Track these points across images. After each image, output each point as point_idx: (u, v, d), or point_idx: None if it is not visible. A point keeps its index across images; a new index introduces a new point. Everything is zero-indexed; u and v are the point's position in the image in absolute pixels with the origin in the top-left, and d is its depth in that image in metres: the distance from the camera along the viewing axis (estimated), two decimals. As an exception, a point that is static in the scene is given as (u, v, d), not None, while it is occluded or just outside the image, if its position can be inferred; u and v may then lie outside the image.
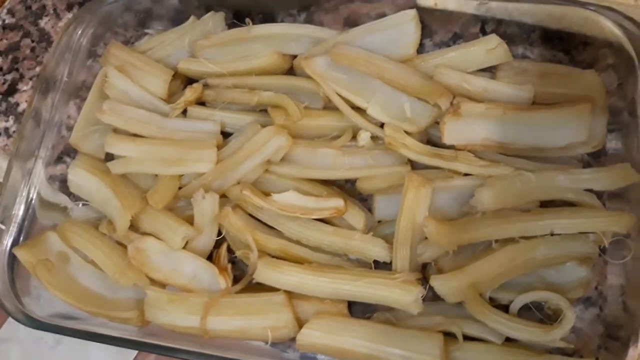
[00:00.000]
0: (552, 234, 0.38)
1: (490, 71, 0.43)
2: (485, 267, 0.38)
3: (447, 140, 0.40)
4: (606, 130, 0.41)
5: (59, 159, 0.49)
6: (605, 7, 0.41)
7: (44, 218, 0.46)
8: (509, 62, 0.43)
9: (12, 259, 0.43)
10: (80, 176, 0.44)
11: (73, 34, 0.49)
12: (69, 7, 0.56)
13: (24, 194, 0.45)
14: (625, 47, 0.40)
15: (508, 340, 0.38)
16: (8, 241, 0.43)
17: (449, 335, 0.38)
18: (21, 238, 0.44)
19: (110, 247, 0.42)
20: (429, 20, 0.46)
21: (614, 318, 0.39)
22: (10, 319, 1.21)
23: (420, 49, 0.45)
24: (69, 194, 0.47)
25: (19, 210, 0.44)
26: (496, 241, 0.39)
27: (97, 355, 1.15)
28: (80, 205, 0.46)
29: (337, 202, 0.41)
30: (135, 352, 1.05)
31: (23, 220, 0.44)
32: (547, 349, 0.38)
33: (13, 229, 0.43)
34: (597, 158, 0.42)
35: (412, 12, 0.43)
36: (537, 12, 0.43)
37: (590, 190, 0.39)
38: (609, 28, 0.41)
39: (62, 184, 0.48)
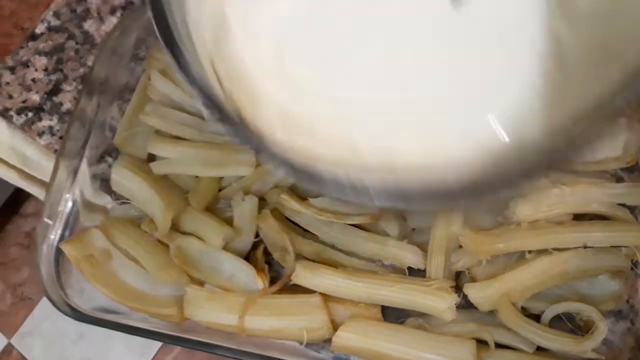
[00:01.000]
0: (584, 247, 0.39)
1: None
2: (518, 277, 0.39)
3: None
4: (640, 146, 0.42)
5: (101, 159, 0.50)
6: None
7: (86, 216, 0.47)
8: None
9: (58, 254, 0.44)
10: (123, 175, 0.46)
11: (117, 38, 0.50)
12: (112, 11, 0.58)
13: (69, 192, 0.46)
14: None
15: (539, 349, 0.39)
16: (55, 236, 0.44)
17: (481, 343, 0.39)
18: (66, 234, 0.45)
19: (152, 245, 0.44)
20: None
21: (644, 332, 0.39)
22: (33, 314, 1.23)
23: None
24: (111, 192, 0.48)
25: (65, 207, 0.46)
26: (529, 252, 0.40)
27: (119, 350, 1.17)
28: (121, 203, 0.48)
29: (372, 209, 0.42)
30: (157, 347, 1.06)
31: (68, 216, 0.46)
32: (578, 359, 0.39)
33: (59, 225, 0.45)
34: (630, 173, 0.42)
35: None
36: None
37: (624, 205, 0.40)
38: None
39: (104, 183, 0.49)
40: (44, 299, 1.23)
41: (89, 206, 0.48)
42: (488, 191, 0.24)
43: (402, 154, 0.28)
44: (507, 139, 0.28)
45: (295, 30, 0.31)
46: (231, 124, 0.27)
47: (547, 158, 0.25)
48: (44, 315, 1.22)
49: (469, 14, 0.30)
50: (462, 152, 0.28)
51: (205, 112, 0.28)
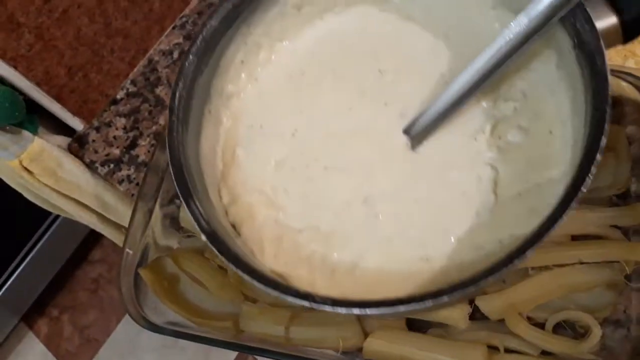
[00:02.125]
0: (580, 263, 0.45)
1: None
2: (523, 290, 0.45)
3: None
4: (630, 175, 0.48)
5: (171, 201, 0.60)
6: (625, 73, 0.48)
7: (158, 250, 0.57)
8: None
9: (136, 278, 0.53)
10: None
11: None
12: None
13: (146, 228, 0.56)
14: (643, 105, 0.48)
15: (544, 353, 0.44)
16: (135, 263, 0.53)
17: (492, 348, 0.45)
18: (144, 261, 0.54)
19: (213, 270, 0.52)
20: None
21: (638, 339, 0.44)
22: (98, 355, 1.29)
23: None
24: (179, 229, 0.58)
25: (142, 242, 0.55)
26: (532, 268, 0.46)
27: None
28: (188, 237, 0.57)
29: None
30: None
31: (145, 248, 0.55)
32: (578, 361, 0.44)
33: (138, 254, 0.54)
34: (623, 199, 0.48)
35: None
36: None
37: (617, 227, 0.46)
38: (629, 90, 0.48)
39: (174, 220, 0.59)
40: (109, 341, 1.33)
41: (160, 241, 0.57)
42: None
43: (369, 271, 0.37)
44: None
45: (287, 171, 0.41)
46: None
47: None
48: (108, 356, 1.31)
49: (426, 155, 0.39)
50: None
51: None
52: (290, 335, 0.48)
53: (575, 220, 0.46)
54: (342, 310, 0.32)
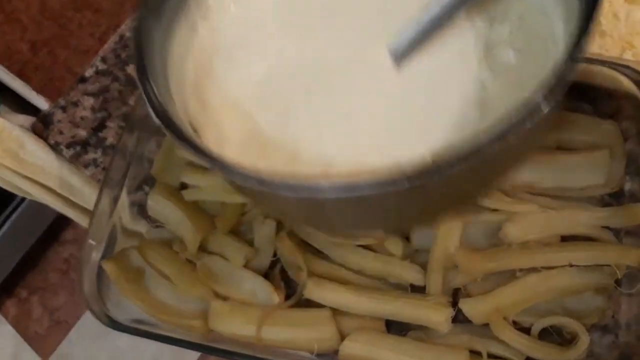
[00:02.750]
0: (570, 265, 0.42)
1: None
2: (509, 293, 0.43)
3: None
4: (624, 173, 0.45)
5: (139, 188, 0.56)
6: (622, 65, 0.46)
7: (124, 240, 0.53)
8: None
9: (99, 271, 0.50)
10: (158, 202, 0.52)
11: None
12: (153, 57, 0.65)
13: (111, 217, 0.52)
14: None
15: (529, 359, 0.42)
16: (97, 255, 0.50)
17: (474, 353, 0.43)
18: (107, 253, 0.51)
19: (181, 264, 0.49)
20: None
21: (628, 345, 0.42)
22: (69, 337, 1.26)
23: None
24: (147, 217, 0.54)
25: (106, 231, 0.52)
26: (520, 270, 0.43)
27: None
28: (156, 227, 0.53)
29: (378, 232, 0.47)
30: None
31: (109, 238, 0.51)
32: (565, 370, 0.42)
33: (100, 246, 0.51)
34: (616, 198, 0.46)
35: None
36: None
37: (608, 228, 0.44)
38: (627, 83, 0.45)
39: (141, 209, 0.55)
40: (79, 323, 1.29)
41: (126, 230, 0.54)
42: None
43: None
44: None
45: (276, 77, 0.37)
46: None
47: None
48: (79, 338, 1.28)
49: (412, 73, 0.35)
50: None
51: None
52: (262, 335, 0.45)
53: (566, 219, 0.44)
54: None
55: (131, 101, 0.63)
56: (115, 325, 0.47)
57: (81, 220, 0.76)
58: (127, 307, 0.49)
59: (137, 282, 0.50)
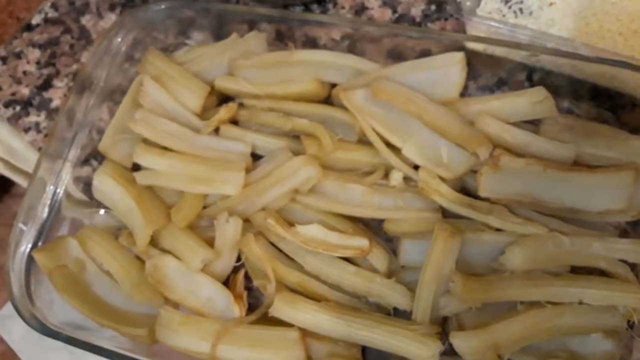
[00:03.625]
0: (580, 303, 0.37)
1: (533, 123, 0.42)
2: (508, 328, 0.37)
3: (482, 192, 0.39)
4: (647, 199, 0.40)
5: (86, 161, 0.48)
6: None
7: (62, 225, 0.45)
8: (554, 117, 0.42)
9: (29, 262, 0.42)
10: (105, 183, 0.44)
11: (114, 37, 0.48)
12: (112, 7, 0.56)
13: (49, 195, 0.44)
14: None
15: (524, 406, 0.37)
16: (28, 243, 0.42)
17: (463, 394, 0.37)
18: (40, 241, 0.43)
19: (128, 261, 0.42)
20: (475, 62, 0.45)
21: (636, 397, 0.38)
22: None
23: (463, 91, 0.44)
24: (92, 198, 0.46)
25: (42, 212, 0.44)
26: (522, 303, 0.38)
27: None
28: (102, 212, 0.46)
29: (362, 242, 0.40)
30: None
31: (45, 222, 0.44)
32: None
33: (33, 231, 0.43)
34: (635, 227, 0.40)
35: (460, 55, 0.42)
36: (588, 69, 0.42)
37: (625, 261, 0.38)
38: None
39: (87, 187, 0.48)
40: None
41: (72, 199, 0.46)
42: None
43: None
44: None
45: None
46: None
47: None
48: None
49: None
50: None
51: None
52: (217, 354, 0.38)
53: (578, 248, 0.38)
54: None
55: (83, 57, 0.54)
56: (44, 329, 0.40)
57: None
58: (63, 307, 0.42)
59: (74, 278, 0.43)
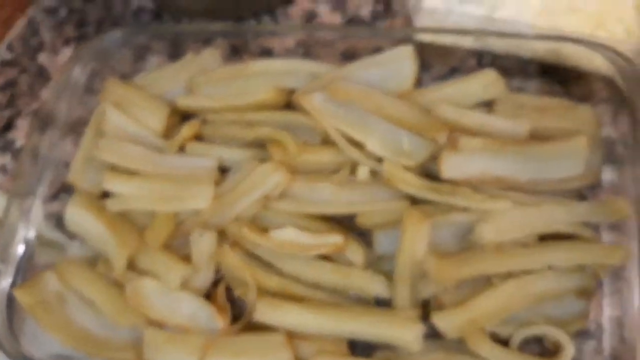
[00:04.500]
0: (550, 268, 0.38)
1: (487, 105, 0.44)
2: (485, 302, 0.38)
3: (445, 174, 0.41)
4: (602, 163, 0.41)
5: (56, 196, 0.48)
6: (597, 44, 0.41)
7: (42, 256, 0.45)
8: (506, 96, 0.43)
9: (10, 300, 0.42)
10: (77, 214, 0.44)
11: (71, 70, 0.49)
12: (66, 42, 0.57)
13: (22, 233, 0.44)
14: (616, 81, 0.41)
15: (510, 375, 0.38)
16: (6, 281, 0.42)
17: (450, 372, 0.38)
18: (19, 278, 0.43)
19: (108, 287, 0.42)
20: (426, 54, 0.46)
21: (613, 350, 0.39)
22: None
23: (418, 84, 0.46)
24: (66, 231, 0.47)
25: (17, 249, 0.44)
26: (496, 276, 0.39)
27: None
28: (77, 244, 0.46)
29: (336, 239, 0.41)
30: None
31: (21, 259, 0.44)
32: (548, 383, 0.38)
33: (11, 269, 0.43)
34: (594, 190, 0.42)
35: (409, 48, 0.44)
36: (534, 47, 0.44)
37: (589, 224, 0.40)
38: (602, 63, 0.41)
39: (60, 222, 0.48)
40: None
41: (42, 249, 0.46)
42: None
43: None
44: None
45: None
46: None
47: None
48: None
49: None
50: None
51: None
52: (206, 366, 0.39)
53: (543, 216, 0.39)
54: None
55: (43, 94, 0.54)
56: (31, 364, 0.40)
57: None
58: (47, 341, 0.42)
59: (56, 311, 0.42)
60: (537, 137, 0.42)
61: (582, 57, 0.42)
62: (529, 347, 0.39)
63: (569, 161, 0.40)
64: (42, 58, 0.56)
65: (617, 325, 0.39)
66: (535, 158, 0.40)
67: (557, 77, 0.45)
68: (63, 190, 0.49)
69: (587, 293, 0.39)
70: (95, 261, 0.44)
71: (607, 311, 0.40)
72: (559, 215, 0.39)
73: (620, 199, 0.39)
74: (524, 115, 0.42)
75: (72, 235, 0.46)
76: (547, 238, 0.40)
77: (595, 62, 0.42)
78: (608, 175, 0.42)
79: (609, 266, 0.38)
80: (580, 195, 0.42)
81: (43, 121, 0.48)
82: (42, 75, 0.56)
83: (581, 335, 0.40)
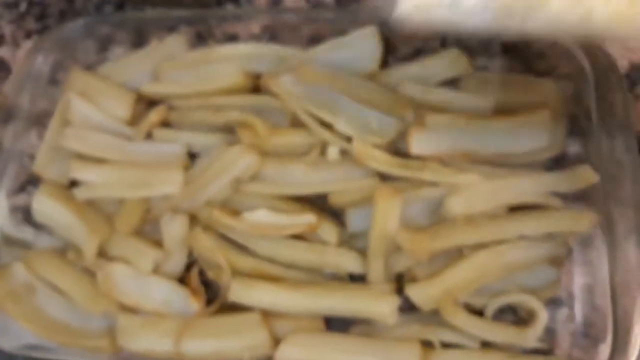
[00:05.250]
0: (520, 238, 0.39)
1: (453, 84, 0.45)
2: (458, 273, 0.38)
3: (413, 150, 0.41)
4: (565, 135, 0.42)
5: (22, 189, 0.47)
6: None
7: (7, 252, 0.44)
8: (471, 74, 0.44)
9: (-23, 293, 0.41)
10: (44, 204, 0.43)
11: (33, 61, 0.48)
12: (28, 35, 0.56)
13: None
14: (576, 55, 0.42)
15: (485, 344, 0.38)
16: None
17: (426, 344, 0.38)
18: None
19: (79, 275, 0.41)
20: (390, 36, 0.47)
21: (584, 317, 0.40)
22: None
23: (384, 65, 0.46)
24: (33, 224, 0.46)
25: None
26: (467, 247, 0.39)
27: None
28: (46, 235, 0.45)
29: (309, 219, 0.41)
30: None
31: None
32: (523, 350, 0.38)
33: (-22, 262, 0.42)
34: (559, 162, 0.43)
35: (373, 29, 0.44)
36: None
37: (556, 193, 0.41)
38: (562, 39, 0.42)
39: (26, 215, 0.47)
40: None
41: (9, 241, 0.45)
42: None
43: None
44: None
45: None
46: None
47: None
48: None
49: None
50: None
51: None
52: (182, 349, 0.38)
53: (511, 188, 0.40)
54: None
55: (5, 88, 0.53)
56: (3, 356, 0.39)
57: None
58: (18, 332, 0.41)
59: (26, 302, 0.42)
60: (502, 112, 0.43)
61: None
62: (503, 316, 0.40)
63: (533, 133, 0.41)
64: (3, 52, 0.55)
65: (588, 292, 0.40)
66: (500, 132, 0.41)
67: (520, 55, 0.46)
68: (29, 183, 0.48)
69: (558, 261, 0.40)
70: (64, 253, 0.43)
71: (578, 279, 0.41)
72: (526, 186, 0.40)
73: (584, 166, 0.40)
74: (489, 91, 0.43)
75: (40, 227, 0.45)
76: (516, 209, 0.41)
77: (557, 39, 0.43)
78: (573, 148, 0.43)
79: (578, 234, 0.39)
80: (547, 168, 0.43)
81: (5, 113, 0.47)
82: (4, 69, 0.54)
83: (553, 303, 0.40)
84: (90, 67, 0.50)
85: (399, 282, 0.40)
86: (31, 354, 0.40)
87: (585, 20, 0.29)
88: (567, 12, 0.29)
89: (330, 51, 0.45)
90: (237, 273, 0.41)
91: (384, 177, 0.42)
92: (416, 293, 0.38)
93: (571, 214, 0.39)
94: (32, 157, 0.47)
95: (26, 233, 0.45)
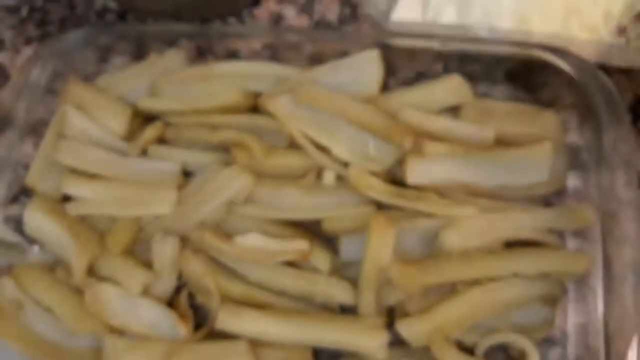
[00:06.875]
0: (515, 275, 0.38)
1: (453, 111, 0.44)
2: (450, 310, 0.38)
3: (410, 180, 0.40)
4: (567, 169, 0.41)
5: (15, 199, 0.47)
6: (560, 50, 0.41)
7: (1, 260, 0.44)
8: (472, 102, 0.43)
9: (-37, 307, 0.41)
10: (35, 218, 0.43)
11: (32, 70, 0.47)
12: (28, 41, 0.55)
13: (-23, 238, 0.43)
14: (580, 87, 0.41)
15: (474, 383, 0.38)
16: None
17: (415, 380, 0.38)
18: (-27, 285, 0.42)
19: (67, 294, 0.41)
20: (392, 59, 0.46)
21: (577, 357, 0.39)
22: None
23: (385, 88, 0.45)
24: (25, 236, 0.45)
25: (-28, 256, 0.42)
26: (461, 283, 0.39)
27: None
28: (37, 248, 0.45)
29: (302, 244, 0.40)
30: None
31: (-24, 265, 0.42)
32: (513, 392, 0.38)
33: (-34, 275, 0.42)
34: (559, 197, 0.42)
35: (375, 52, 0.44)
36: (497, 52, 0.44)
37: (554, 231, 0.40)
38: (565, 69, 0.41)
39: (19, 225, 0.46)
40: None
41: (4, 248, 0.45)
42: None
43: None
44: None
45: None
46: None
47: None
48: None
49: None
50: None
51: None
52: (167, 375, 0.38)
53: (508, 223, 0.39)
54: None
55: (2, 95, 0.53)
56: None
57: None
58: (3, 349, 0.41)
59: (14, 318, 0.41)
60: (502, 142, 0.42)
61: (547, 64, 0.42)
62: (494, 354, 0.39)
63: (533, 167, 0.40)
64: (2, 57, 0.55)
65: (582, 332, 0.39)
66: (500, 164, 0.40)
67: (523, 83, 0.45)
68: (23, 193, 0.47)
69: (553, 300, 0.39)
70: (54, 266, 0.43)
71: (572, 318, 0.40)
72: (524, 222, 0.39)
73: (584, 205, 0.39)
74: (490, 120, 0.42)
75: (31, 240, 0.45)
76: (513, 245, 0.40)
77: (559, 69, 0.42)
78: (573, 181, 0.42)
79: (574, 273, 0.39)
80: (546, 201, 0.42)
81: (1, 122, 0.46)
82: (2, 75, 0.54)
83: (546, 342, 0.40)
84: (89, 78, 0.49)
85: (391, 315, 0.40)
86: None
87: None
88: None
89: (330, 72, 0.45)
90: (226, 298, 0.40)
91: (379, 205, 0.42)
92: (406, 329, 0.37)
93: (568, 254, 0.38)
94: (26, 166, 0.47)
95: (16, 248, 0.44)
